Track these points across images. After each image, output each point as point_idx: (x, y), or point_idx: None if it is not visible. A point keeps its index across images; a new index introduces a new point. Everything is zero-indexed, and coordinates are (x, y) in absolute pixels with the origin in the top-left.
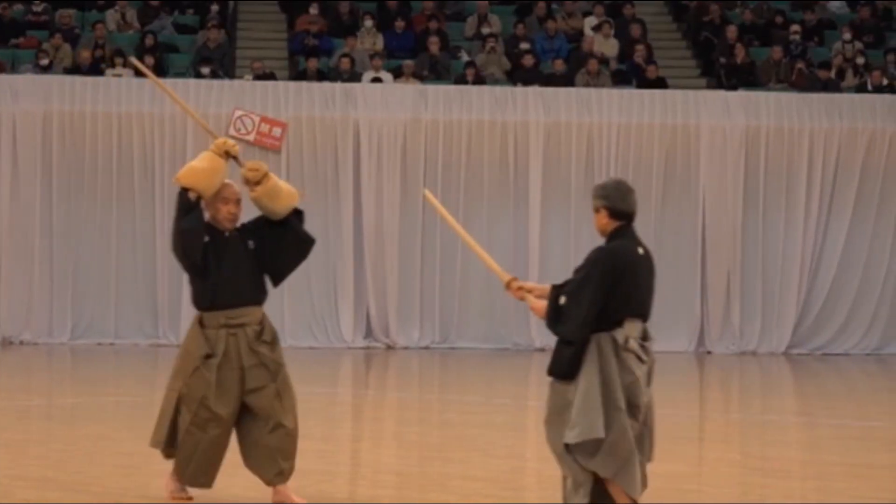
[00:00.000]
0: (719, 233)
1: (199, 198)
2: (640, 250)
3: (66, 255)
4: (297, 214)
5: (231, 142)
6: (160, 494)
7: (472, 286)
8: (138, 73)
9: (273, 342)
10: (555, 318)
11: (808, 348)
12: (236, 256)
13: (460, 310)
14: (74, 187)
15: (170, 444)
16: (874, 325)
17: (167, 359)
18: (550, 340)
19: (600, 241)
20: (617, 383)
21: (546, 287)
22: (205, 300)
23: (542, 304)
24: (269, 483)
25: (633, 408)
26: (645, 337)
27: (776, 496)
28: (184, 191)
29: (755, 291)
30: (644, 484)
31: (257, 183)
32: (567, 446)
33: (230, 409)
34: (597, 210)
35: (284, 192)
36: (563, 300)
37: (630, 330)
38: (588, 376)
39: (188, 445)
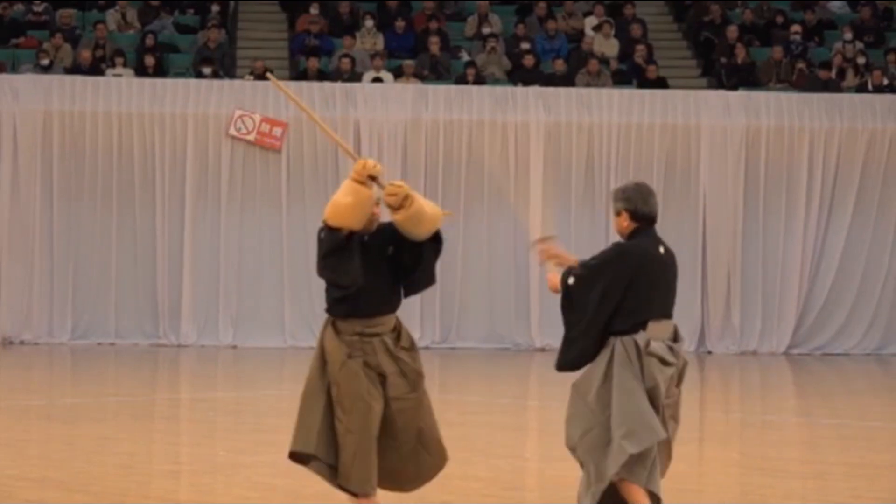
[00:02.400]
0: (720, 232)
1: (350, 233)
2: (661, 249)
3: (66, 254)
4: (437, 241)
5: (371, 162)
6: (160, 494)
7: (472, 286)
8: (139, 73)
9: (411, 348)
10: (565, 299)
11: (808, 348)
12: (377, 263)
13: (461, 310)
14: (75, 187)
15: (320, 448)
16: (874, 325)
17: (167, 359)
18: (551, 340)
19: (600, 239)
20: (640, 386)
21: (574, 258)
22: (343, 308)
23: (557, 277)
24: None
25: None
26: (675, 338)
27: (776, 496)
28: (331, 229)
29: (755, 291)
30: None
31: (399, 207)
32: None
33: (381, 406)
34: (618, 213)
35: (427, 217)
36: (571, 280)
37: (656, 332)
38: (625, 382)
39: (350, 447)
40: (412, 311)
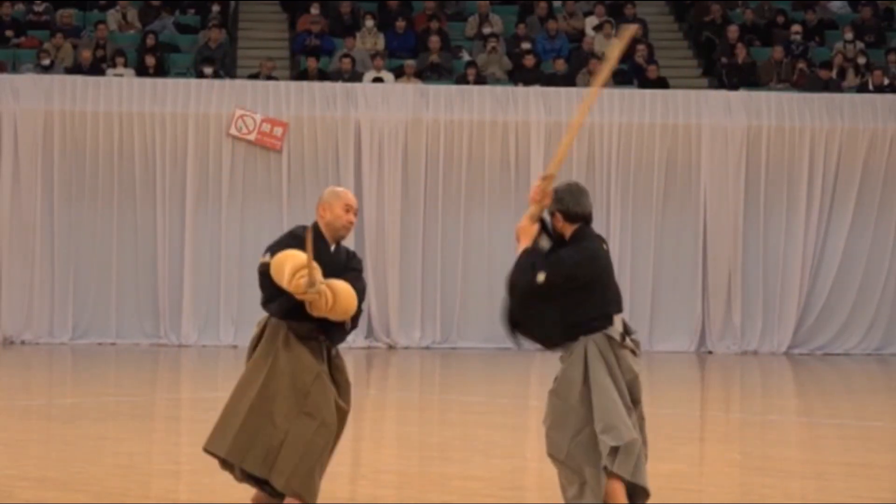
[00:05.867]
0: (720, 232)
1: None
2: (605, 246)
3: (67, 254)
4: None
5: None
6: (160, 494)
7: (473, 286)
8: (139, 73)
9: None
10: (528, 294)
11: (809, 348)
12: (330, 276)
13: (461, 310)
14: (75, 187)
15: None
16: (875, 325)
17: (168, 359)
18: None
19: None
20: (621, 381)
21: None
22: (298, 308)
23: (531, 228)
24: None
25: (635, 403)
26: (628, 330)
27: (776, 496)
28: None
29: (756, 291)
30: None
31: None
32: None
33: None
34: (552, 214)
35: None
36: (541, 278)
37: (619, 324)
38: (599, 379)
39: (311, 456)
40: (413, 311)
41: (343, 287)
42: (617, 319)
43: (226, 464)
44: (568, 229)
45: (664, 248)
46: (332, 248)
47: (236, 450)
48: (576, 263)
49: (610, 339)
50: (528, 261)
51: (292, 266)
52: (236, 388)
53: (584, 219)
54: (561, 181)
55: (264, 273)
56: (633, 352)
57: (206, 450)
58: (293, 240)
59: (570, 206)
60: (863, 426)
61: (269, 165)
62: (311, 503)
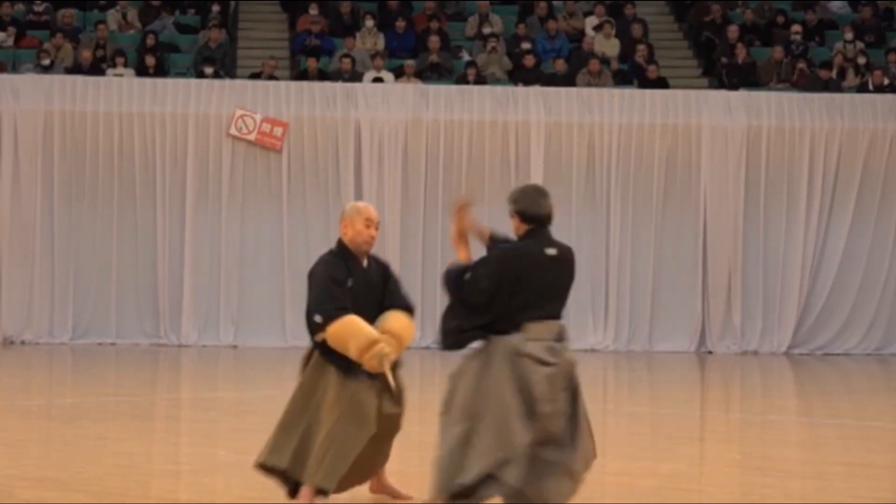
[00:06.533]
0: (720, 232)
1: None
2: (551, 251)
3: (67, 254)
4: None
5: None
6: (160, 494)
7: None
8: (139, 73)
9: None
10: (458, 291)
11: (809, 348)
12: (371, 290)
13: None
14: (75, 187)
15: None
16: (875, 325)
17: (168, 359)
18: None
19: (601, 239)
20: (508, 388)
21: (488, 228)
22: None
23: (457, 245)
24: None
25: (531, 413)
26: (559, 338)
27: (776, 496)
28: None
29: (756, 291)
30: (568, 491)
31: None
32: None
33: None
34: (511, 215)
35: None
36: (467, 276)
37: (537, 332)
38: (495, 385)
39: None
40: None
41: (401, 325)
42: (537, 326)
43: (284, 476)
44: (522, 230)
45: (664, 248)
46: (364, 263)
47: (295, 462)
48: (487, 263)
49: (509, 346)
50: (464, 268)
51: (357, 348)
52: (291, 400)
53: (540, 220)
54: (528, 183)
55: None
56: (539, 360)
57: (264, 465)
58: (337, 287)
59: (526, 207)
60: (863, 426)
61: (269, 165)
62: (325, 488)
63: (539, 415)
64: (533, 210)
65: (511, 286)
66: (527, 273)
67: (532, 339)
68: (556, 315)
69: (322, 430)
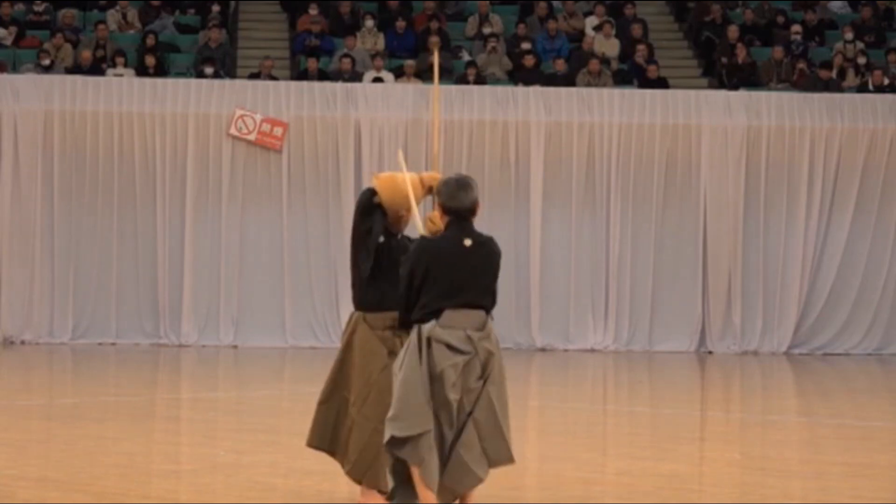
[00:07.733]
0: (720, 232)
1: (380, 204)
2: (468, 241)
3: (67, 254)
4: None
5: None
6: (160, 494)
7: None
8: (139, 73)
9: None
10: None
11: (809, 348)
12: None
13: None
14: (75, 187)
15: (333, 444)
16: (875, 325)
17: (168, 359)
18: (551, 340)
19: (601, 239)
20: (418, 374)
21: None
22: (373, 301)
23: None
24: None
25: (440, 400)
26: (480, 328)
27: (776, 496)
28: (371, 192)
29: (756, 291)
30: (473, 480)
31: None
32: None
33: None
34: (436, 207)
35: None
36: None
37: (454, 320)
38: (407, 370)
39: (376, 445)
40: None
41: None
42: (454, 314)
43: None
44: (444, 221)
45: (664, 248)
46: (399, 237)
47: (329, 441)
48: (408, 253)
49: (421, 331)
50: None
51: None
52: (327, 382)
53: (458, 213)
54: (455, 174)
55: (368, 208)
56: (452, 347)
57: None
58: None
59: (446, 200)
60: (863, 426)
61: (269, 165)
62: (379, 489)
63: (444, 401)
64: (451, 204)
65: (424, 274)
66: (440, 263)
67: (446, 326)
68: (475, 304)
69: (368, 425)
